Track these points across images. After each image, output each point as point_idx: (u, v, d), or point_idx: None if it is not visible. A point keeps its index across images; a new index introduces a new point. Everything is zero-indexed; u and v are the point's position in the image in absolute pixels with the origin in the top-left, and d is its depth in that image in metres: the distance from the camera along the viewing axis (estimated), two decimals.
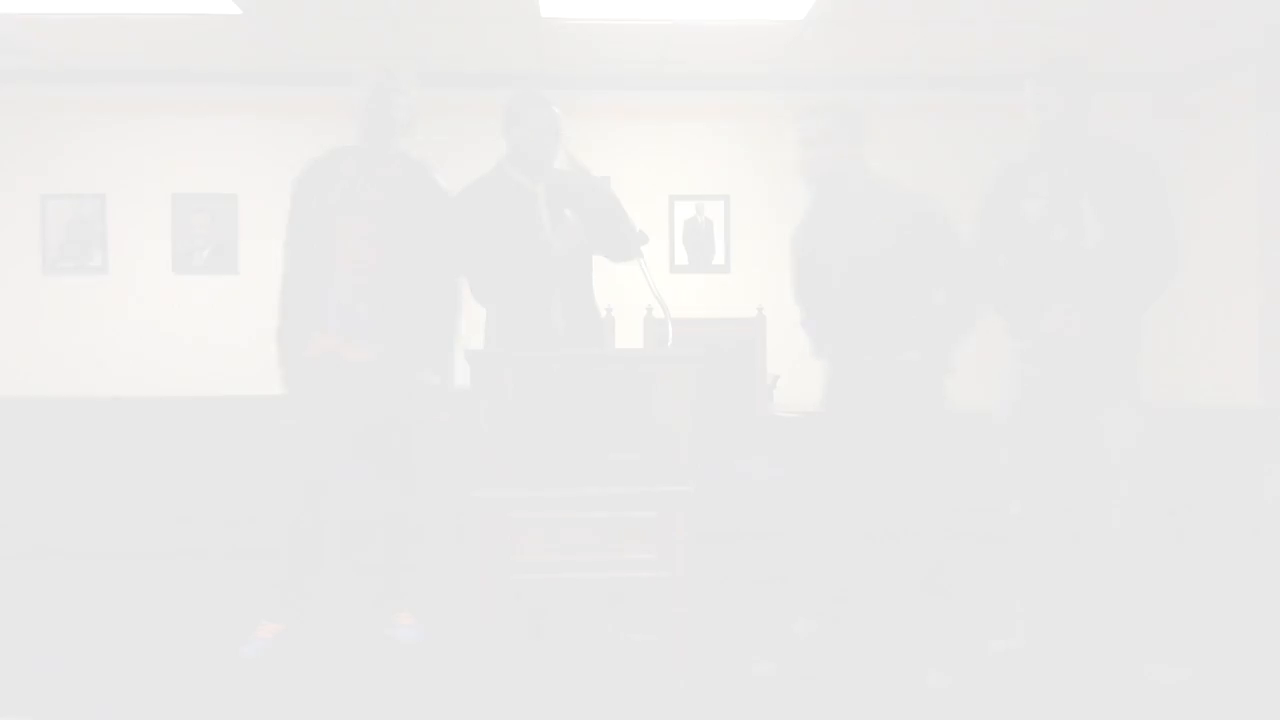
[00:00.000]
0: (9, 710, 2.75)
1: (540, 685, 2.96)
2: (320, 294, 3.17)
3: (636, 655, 3.20)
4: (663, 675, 2.94)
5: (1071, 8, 4.38)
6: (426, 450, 3.37)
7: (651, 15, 4.47)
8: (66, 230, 5.27)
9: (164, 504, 4.51)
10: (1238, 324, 5.13)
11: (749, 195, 5.46)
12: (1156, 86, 5.38)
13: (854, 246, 2.96)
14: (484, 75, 5.33)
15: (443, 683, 2.97)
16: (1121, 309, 2.93)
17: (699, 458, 2.61)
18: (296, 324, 3.21)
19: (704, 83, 5.40)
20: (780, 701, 2.80)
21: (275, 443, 3.57)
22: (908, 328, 2.95)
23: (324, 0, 4.29)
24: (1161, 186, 2.96)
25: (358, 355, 3.18)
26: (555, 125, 3.26)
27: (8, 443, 4.53)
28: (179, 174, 5.30)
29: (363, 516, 3.35)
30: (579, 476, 2.52)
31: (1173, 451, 5.35)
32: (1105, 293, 2.91)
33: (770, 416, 4.54)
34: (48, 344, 5.27)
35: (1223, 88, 5.26)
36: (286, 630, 3.24)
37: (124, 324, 5.29)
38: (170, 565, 4.46)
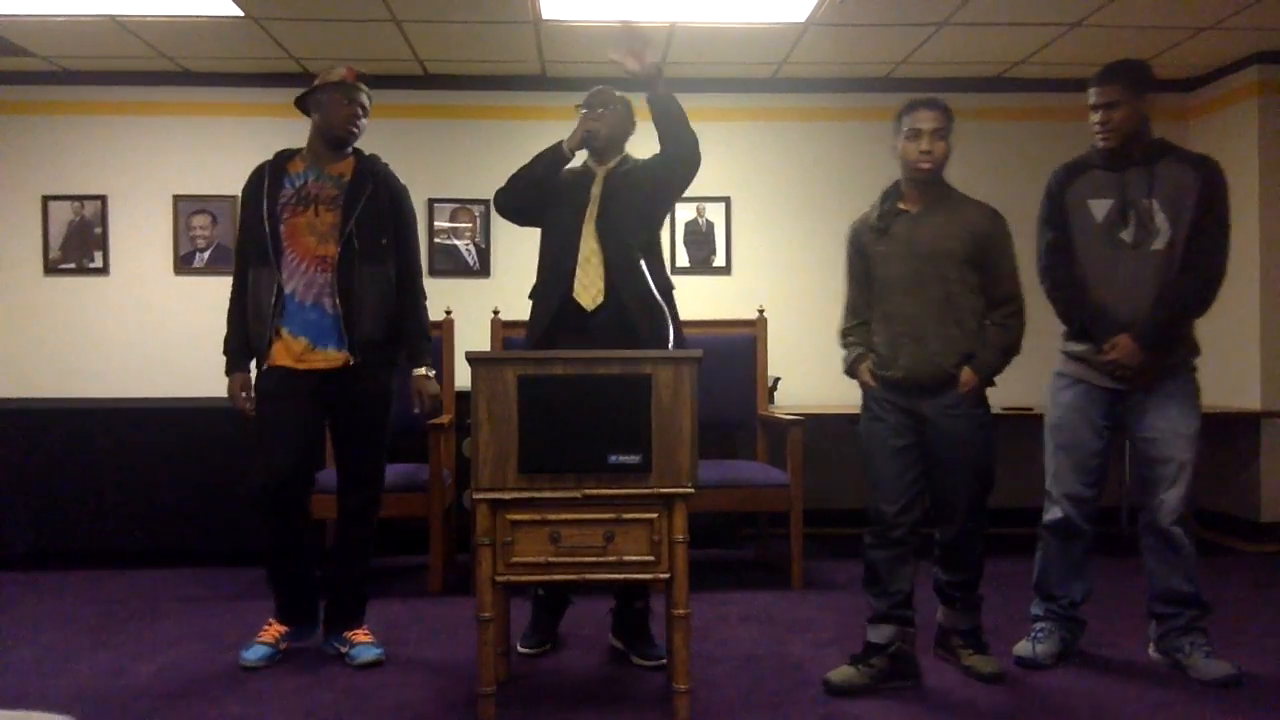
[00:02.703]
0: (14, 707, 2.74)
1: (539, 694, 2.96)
2: (275, 299, 3.06)
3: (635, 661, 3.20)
4: (663, 678, 2.94)
5: (1071, 10, 4.38)
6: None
7: (652, 17, 4.47)
8: (67, 230, 5.27)
9: (165, 505, 4.51)
10: (1239, 325, 5.13)
11: (749, 197, 5.46)
12: (1157, 87, 5.38)
13: (928, 241, 2.88)
14: (484, 77, 5.35)
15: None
16: (1180, 312, 2.96)
17: (699, 458, 2.60)
18: (256, 333, 3.10)
19: (704, 85, 5.40)
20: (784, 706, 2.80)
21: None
22: (952, 330, 2.87)
23: (324, 0, 4.30)
24: (1224, 197, 2.96)
25: (328, 359, 3.08)
26: (601, 101, 3.15)
27: (8, 443, 4.52)
28: (179, 174, 5.30)
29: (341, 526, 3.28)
30: (579, 477, 2.52)
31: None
32: (1166, 295, 2.93)
33: (770, 416, 4.54)
34: (48, 344, 5.27)
35: (1223, 88, 5.26)
36: (291, 632, 3.20)
37: (124, 324, 5.29)
38: (171, 566, 4.47)
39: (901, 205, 2.95)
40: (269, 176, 3.14)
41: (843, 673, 2.89)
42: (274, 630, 3.18)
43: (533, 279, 3.23)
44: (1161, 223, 2.93)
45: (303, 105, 3.22)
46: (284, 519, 3.11)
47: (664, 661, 2.97)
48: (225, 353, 3.20)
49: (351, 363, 3.07)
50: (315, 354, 3.07)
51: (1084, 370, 3.05)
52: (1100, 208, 3.00)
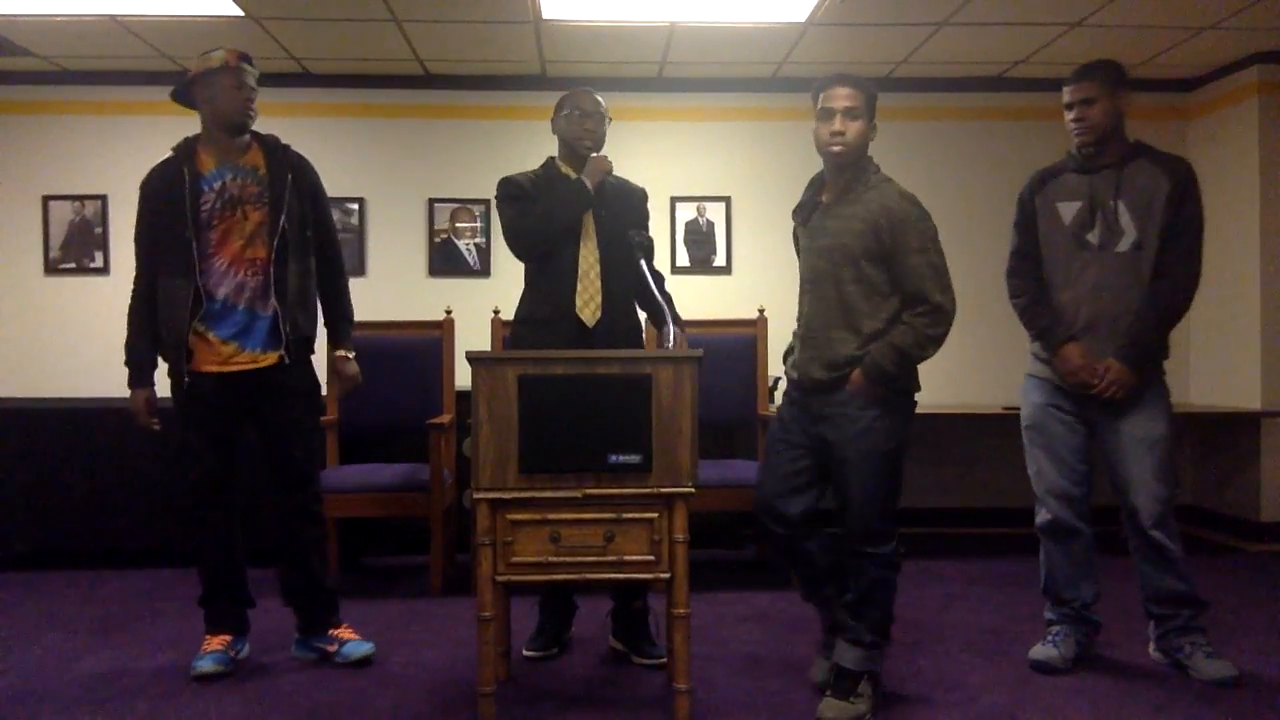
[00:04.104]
0: None
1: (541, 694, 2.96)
2: (194, 306, 2.96)
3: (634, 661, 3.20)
4: (663, 678, 2.94)
5: (1071, 10, 4.38)
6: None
7: (652, 18, 4.47)
8: (67, 230, 5.27)
9: (164, 505, 4.51)
10: (1239, 325, 5.13)
11: (749, 196, 5.46)
12: (1157, 87, 5.39)
13: (829, 235, 2.69)
14: (484, 77, 5.34)
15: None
16: (1160, 321, 2.92)
17: (699, 458, 2.60)
18: (172, 345, 3.00)
19: (704, 85, 5.40)
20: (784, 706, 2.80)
21: None
22: (842, 334, 2.66)
23: (324, 1, 4.30)
24: (1195, 198, 2.92)
25: (256, 360, 3.01)
26: (597, 108, 3.14)
27: (8, 443, 4.52)
28: None
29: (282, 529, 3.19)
30: (579, 477, 2.52)
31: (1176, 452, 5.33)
32: (1145, 307, 2.90)
33: (770, 416, 4.53)
34: (48, 344, 5.26)
35: (1223, 88, 5.26)
36: (238, 640, 3.12)
37: (124, 324, 5.27)
38: (171, 566, 4.46)
39: (821, 196, 2.78)
40: (188, 184, 2.96)
41: None
42: (220, 640, 3.07)
43: None
44: (1127, 224, 2.92)
45: (185, 99, 3.08)
46: (213, 526, 3.08)
47: (664, 661, 2.97)
48: (129, 363, 3.07)
49: (287, 361, 3.02)
50: (244, 355, 3.01)
51: (1051, 371, 3.05)
52: (1069, 210, 3.00)
